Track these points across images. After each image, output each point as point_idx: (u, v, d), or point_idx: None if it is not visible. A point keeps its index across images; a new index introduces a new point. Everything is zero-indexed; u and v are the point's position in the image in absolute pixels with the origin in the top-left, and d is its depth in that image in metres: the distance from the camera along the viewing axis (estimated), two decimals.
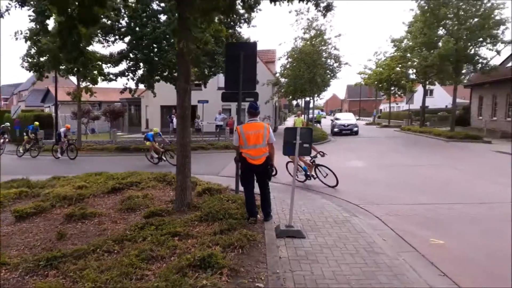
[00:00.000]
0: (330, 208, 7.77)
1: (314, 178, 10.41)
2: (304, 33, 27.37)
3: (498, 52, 25.86)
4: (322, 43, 27.05)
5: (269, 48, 36.04)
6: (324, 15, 7.79)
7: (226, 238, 5.37)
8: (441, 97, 55.21)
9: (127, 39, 19.36)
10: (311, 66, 25.42)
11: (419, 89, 38.14)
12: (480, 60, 26.02)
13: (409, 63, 33.09)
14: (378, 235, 6.15)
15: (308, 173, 10.49)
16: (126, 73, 19.92)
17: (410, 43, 29.85)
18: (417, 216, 7.49)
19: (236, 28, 19.69)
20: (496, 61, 27.61)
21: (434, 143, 23.36)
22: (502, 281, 4.65)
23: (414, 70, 33.92)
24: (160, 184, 9.61)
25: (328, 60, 27.91)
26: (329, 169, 10.18)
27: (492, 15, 24.22)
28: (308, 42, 27.00)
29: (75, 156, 17.79)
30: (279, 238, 5.84)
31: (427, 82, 33.45)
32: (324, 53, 27.47)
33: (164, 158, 15.18)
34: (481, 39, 24.97)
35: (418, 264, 5.05)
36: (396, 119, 47.64)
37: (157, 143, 15.59)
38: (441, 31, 26.91)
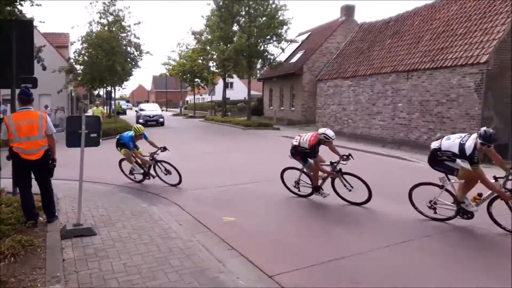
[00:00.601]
0: (128, 201, 7.44)
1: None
2: (100, 17, 25.61)
3: (283, 50, 29.72)
4: (121, 30, 25.81)
5: (61, 32, 32.36)
6: None
7: None
8: (240, 90, 60.14)
9: None
10: (109, 54, 23.95)
11: (220, 81, 40.61)
12: (269, 56, 29.37)
13: (209, 56, 34.79)
14: (175, 221, 6.19)
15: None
16: None
17: (209, 37, 31.33)
18: (212, 198, 7.89)
19: (17, 6, 16.82)
20: (282, 57, 31.45)
21: (234, 131, 25.32)
22: (282, 246, 5.27)
23: (214, 63, 35.92)
24: None
25: (128, 48, 26.87)
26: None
27: (277, 16, 27.55)
28: (106, 28, 25.36)
29: None
30: (65, 239, 5.22)
31: (226, 75, 35.88)
32: (123, 41, 26.27)
33: (154, 174, 9.20)
34: (268, 36, 28.12)
35: (210, 243, 5.28)
36: (201, 110, 49.80)
37: (139, 151, 9.36)
38: (235, 27, 29.10)
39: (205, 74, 40.42)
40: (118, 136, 9.66)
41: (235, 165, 11.82)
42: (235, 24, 28.81)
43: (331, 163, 7.43)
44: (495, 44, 12.81)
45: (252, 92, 32.28)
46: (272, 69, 30.08)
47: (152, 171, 9.21)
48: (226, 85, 36.20)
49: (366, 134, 18.59)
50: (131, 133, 9.37)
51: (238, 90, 59.17)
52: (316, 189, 7.67)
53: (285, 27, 28.03)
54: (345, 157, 7.35)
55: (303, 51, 31.21)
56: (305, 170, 7.83)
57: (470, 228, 6.03)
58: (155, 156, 9.04)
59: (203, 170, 11.01)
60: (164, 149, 9.08)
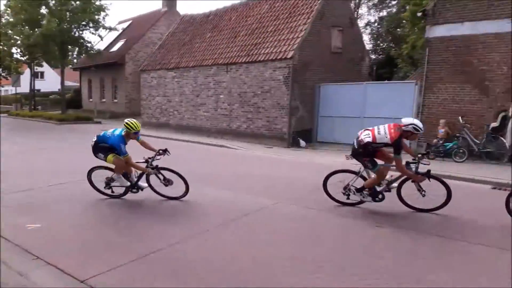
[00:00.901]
0: None
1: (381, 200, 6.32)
2: None
3: (101, 37, 27.72)
4: None
5: None
6: None
7: None
8: (53, 80, 53.65)
9: None
10: None
11: (27, 70, 35.46)
12: (85, 44, 27.04)
13: (12, 41, 30.05)
14: None
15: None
16: None
17: (11, 19, 27.02)
18: (13, 204, 6.76)
19: None
20: (102, 45, 29.30)
21: (45, 126, 22.69)
22: (94, 248, 4.85)
23: (19, 49, 31.20)
24: None
25: None
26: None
27: (93, 1, 25.55)
28: None
29: None
30: None
31: (35, 63, 31.62)
32: None
33: (145, 185, 6.91)
34: (84, 22, 25.88)
35: (9, 255, 4.50)
36: (5, 104, 42.68)
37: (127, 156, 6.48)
38: (43, 10, 25.82)
39: (7, 62, 34.63)
40: (96, 138, 6.85)
41: (43, 165, 10.45)
42: (44, 7, 25.55)
43: (408, 163, 6.03)
44: (299, 41, 14.55)
45: (68, 83, 29.31)
46: (90, 58, 27.83)
47: (141, 182, 6.92)
48: (34, 75, 31.87)
49: (192, 125, 18.90)
50: (119, 130, 6.63)
51: (51, 81, 52.85)
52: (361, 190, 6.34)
53: (102, 13, 26.28)
54: (420, 156, 6.05)
55: (125, 40, 29.77)
56: (364, 174, 6.34)
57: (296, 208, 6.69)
58: (153, 162, 6.71)
59: (16, 172, 9.25)
60: (164, 152, 6.73)
